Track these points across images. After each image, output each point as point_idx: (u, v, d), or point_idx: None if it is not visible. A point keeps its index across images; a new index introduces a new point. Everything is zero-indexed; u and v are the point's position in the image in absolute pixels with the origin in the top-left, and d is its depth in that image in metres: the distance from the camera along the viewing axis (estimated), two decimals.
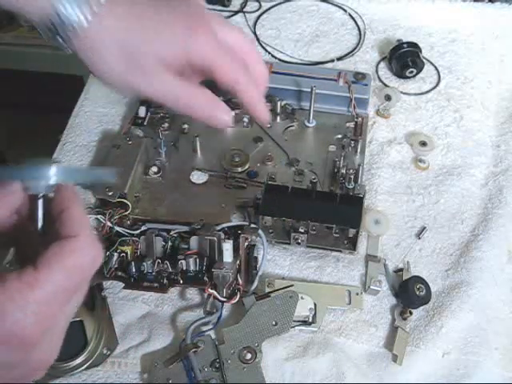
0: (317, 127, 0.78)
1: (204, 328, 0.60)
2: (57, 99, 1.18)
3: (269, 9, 0.94)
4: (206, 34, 0.52)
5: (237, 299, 0.61)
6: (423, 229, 0.70)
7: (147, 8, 0.52)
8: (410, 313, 0.62)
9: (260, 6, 0.94)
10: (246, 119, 0.78)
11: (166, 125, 0.77)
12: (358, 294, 0.64)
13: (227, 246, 0.61)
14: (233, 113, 0.55)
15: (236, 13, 0.93)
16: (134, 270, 0.62)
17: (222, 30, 0.54)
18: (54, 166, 0.39)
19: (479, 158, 0.76)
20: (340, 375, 0.59)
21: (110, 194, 0.68)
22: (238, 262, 0.62)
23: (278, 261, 0.67)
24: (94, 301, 0.63)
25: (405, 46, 0.84)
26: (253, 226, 0.64)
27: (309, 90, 0.75)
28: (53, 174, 0.39)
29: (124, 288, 0.63)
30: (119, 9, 0.50)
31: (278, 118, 0.79)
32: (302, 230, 0.65)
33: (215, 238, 0.62)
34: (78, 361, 0.59)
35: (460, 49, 0.88)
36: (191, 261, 0.62)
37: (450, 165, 0.76)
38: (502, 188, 0.73)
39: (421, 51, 0.84)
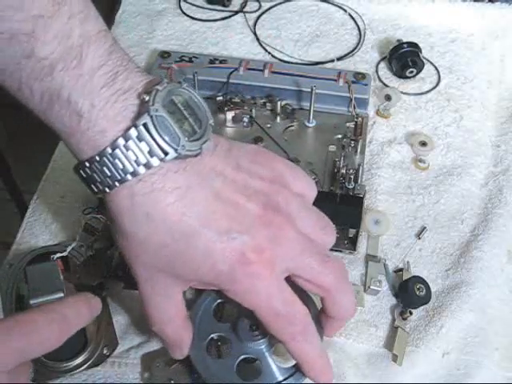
0: (317, 127, 0.78)
1: None
2: None
3: (269, 9, 0.94)
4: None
5: None
6: (423, 229, 0.70)
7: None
8: (410, 313, 0.62)
9: (260, 6, 0.94)
10: (245, 119, 0.78)
11: None
12: (358, 292, 0.64)
13: None
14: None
15: (236, 13, 0.93)
16: None
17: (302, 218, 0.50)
18: None
19: (479, 158, 0.76)
20: (340, 375, 0.59)
21: None
22: None
23: None
24: None
25: (405, 46, 0.84)
26: None
27: (309, 90, 0.75)
28: None
29: (124, 288, 0.63)
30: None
31: (278, 117, 0.79)
32: None
33: None
34: (78, 361, 0.59)
35: (460, 49, 0.88)
36: None
37: (449, 165, 0.76)
38: (502, 188, 0.73)
39: (421, 51, 0.84)
